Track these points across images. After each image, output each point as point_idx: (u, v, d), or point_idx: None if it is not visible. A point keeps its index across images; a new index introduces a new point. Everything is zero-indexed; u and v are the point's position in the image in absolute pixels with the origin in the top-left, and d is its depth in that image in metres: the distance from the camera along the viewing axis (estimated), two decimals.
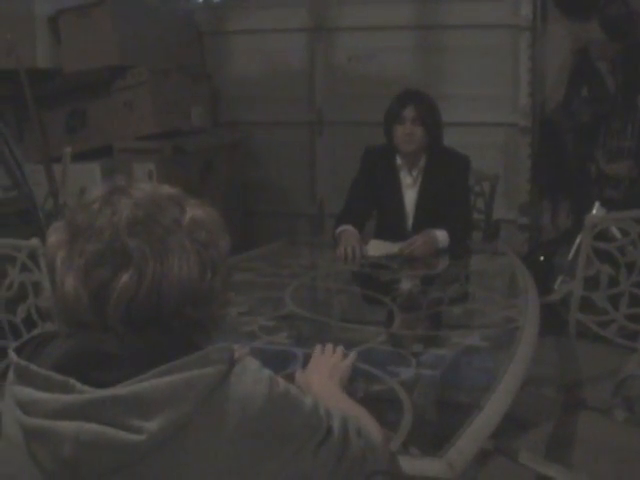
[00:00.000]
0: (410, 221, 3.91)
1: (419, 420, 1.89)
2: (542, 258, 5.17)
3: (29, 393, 1.24)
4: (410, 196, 3.92)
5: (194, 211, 1.36)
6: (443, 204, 3.83)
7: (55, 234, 1.33)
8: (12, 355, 1.30)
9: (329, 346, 1.97)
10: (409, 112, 3.80)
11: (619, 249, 3.15)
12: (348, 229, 3.80)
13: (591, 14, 5.28)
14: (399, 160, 3.91)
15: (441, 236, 3.70)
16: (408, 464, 1.66)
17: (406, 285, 3.43)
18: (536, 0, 5.52)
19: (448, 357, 2.42)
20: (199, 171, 5.33)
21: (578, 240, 4.10)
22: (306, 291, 3.31)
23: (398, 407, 1.93)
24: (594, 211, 4.56)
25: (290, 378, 1.77)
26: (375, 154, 4.01)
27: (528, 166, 5.67)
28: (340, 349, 1.96)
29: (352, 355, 1.97)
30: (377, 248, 3.71)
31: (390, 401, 2.00)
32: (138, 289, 1.26)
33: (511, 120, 5.68)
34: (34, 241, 2.89)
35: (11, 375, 1.29)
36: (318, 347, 1.98)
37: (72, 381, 1.22)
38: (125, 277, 1.26)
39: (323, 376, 1.80)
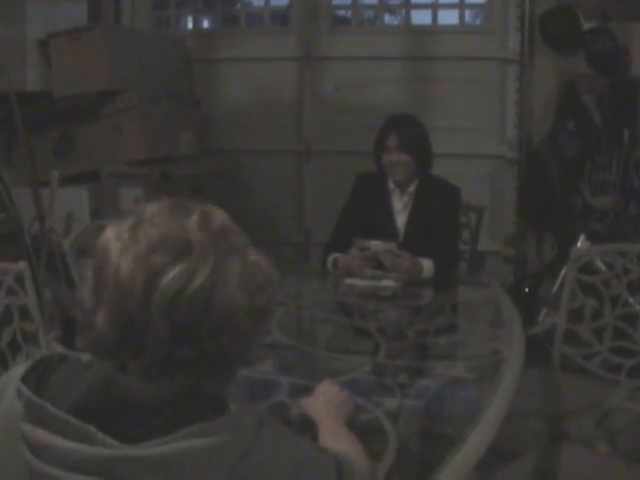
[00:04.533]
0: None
1: (403, 450, 1.89)
2: (527, 290, 5.19)
3: (43, 436, 1.16)
4: (400, 221, 3.91)
5: (259, 256, 1.33)
6: (431, 233, 3.79)
7: (115, 226, 1.28)
8: (23, 388, 1.22)
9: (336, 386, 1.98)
10: (392, 140, 3.78)
11: (604, 282, 3.17)
12: (340, 257, 3.76)
13: (578, 49, 5.33)
14: (391, 184, 3.90)
15: (426, 265, 3.68)
16: None
17: (392, 315, 3.43)
18: (524, 33, 5.58)
19: (433, 388, 2.43)
20: (186, 198, 5.32)
21: (563, 272, 4.12)
22: (292, 320, 3.30)
23: (382, 437, 1.93)
24: (579, 244, 4.59)
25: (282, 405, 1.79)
26: (367, 179, 3.99)
27: (514, 198, 5.70)
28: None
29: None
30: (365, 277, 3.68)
31: (374, 431, 1.99)
32: (189, 284, 1.20)
33: (498, 152, 5.72)
34: (21, 264, 2.88)
35: (18, 407, 1.21)
36: (327, 380, 2.00)
37: (93, 430, 1.14)
38: (181, 267, 1.20)
39: (331, 407, 1.81)
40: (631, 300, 3.16)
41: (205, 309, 1.21)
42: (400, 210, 3.91)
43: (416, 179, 3.88)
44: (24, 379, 1.24)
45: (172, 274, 1.19)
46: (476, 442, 1.94)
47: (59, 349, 2.84)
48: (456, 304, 3.77)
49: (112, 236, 1.26)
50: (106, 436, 1.14)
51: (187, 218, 1.27)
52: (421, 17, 6.12)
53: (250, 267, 1.28)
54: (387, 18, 6.62)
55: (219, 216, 1.32)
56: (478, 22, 6.36)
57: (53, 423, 1.16)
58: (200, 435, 1.15)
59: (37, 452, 1.16)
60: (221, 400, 1.24)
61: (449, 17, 6.04)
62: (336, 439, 1.62)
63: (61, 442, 1.15)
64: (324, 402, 1.83)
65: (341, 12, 6.56)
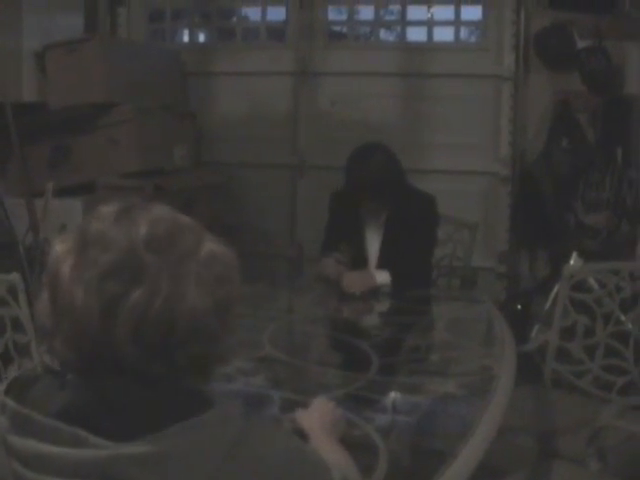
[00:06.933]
0: (374, 267, 3.86)
1: (394, 466, 1.89)
2: (519, 307, 5.19)
3: (32, 446, 1.15)
4: (374, 245, 3.89)
5: (212, 245, 1.31)
6: (405, 246, 3.78)
7: (63, 243, 1.24)
8: (7, 401, 1.21)
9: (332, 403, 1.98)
10: (362, 190, 3.74)
11: (596, 300, 3.17)
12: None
13: (572, 67, 5.35)
14: (364, 210, 3.88)
15: (379, 276, 3.69)
16: None
17: (385, 331, 3.43)
18: (518, 51, 5.60)
19: (424, 404, 2.43)
20: (180, 211, 5.31)
21: (555, 290, 4.11)
22: (284, 334, 3.30)
23: (373, 453, 1.93)
24: (572, 261, 4.58)
25: (275, 420, 1.79)
26: (341, 199, 3.98)
27: (507, 215, 5.71)
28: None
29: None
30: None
31: (365, 447, 1.99)
32: (150, 307, 1.18)
33: (492, 169, 5.72)
34: (14, 276, 2.87)
35: (2, 422, 1.20)
36: (323, 396, 2.01)
37: (83, 433, 1.14)
38: (138, 292, 1.18)
39: (326, 424, 1.81)
40: (623, 318, 3.16)
41: (170, 325, 1.20)
42: (373, 234, 3.90)
43: (388, 205, 3.85)
44: (6, 393, 1.23)
45: (131, 301, 1.18)
46: (467, 458, 1.94)
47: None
48: (448, 320, 3.77)
49: (61, 256, 1.23)
50: (96, 438, 1.14)
51: (134, 232, 1.23)
52: (417, 34, 6.14)
53: (204, 263, 1.27)
54: (383, 34, 6.61)
55: (164, 218, 1.29)
56: (473, 39, 6.37)
57: (41, 431, 1.16)
58: (191, 430, 1.17)
59: (29, 463, 1.16)
60: (206, 396, 1.25)
61: (444, 34, 6.06)
62: (330, 454, 1.61)
63: (53, 449, 1.14)
64: (319, 418, 1.82)
65: (337, 28, 6.57)
